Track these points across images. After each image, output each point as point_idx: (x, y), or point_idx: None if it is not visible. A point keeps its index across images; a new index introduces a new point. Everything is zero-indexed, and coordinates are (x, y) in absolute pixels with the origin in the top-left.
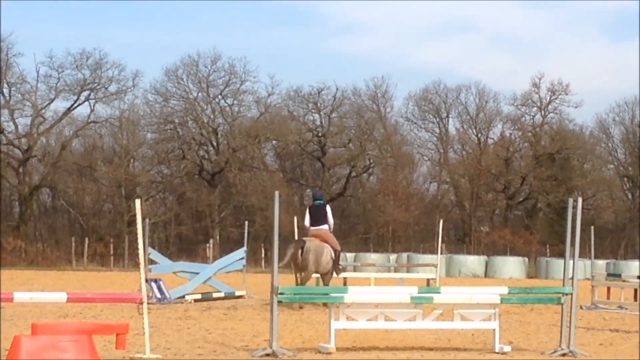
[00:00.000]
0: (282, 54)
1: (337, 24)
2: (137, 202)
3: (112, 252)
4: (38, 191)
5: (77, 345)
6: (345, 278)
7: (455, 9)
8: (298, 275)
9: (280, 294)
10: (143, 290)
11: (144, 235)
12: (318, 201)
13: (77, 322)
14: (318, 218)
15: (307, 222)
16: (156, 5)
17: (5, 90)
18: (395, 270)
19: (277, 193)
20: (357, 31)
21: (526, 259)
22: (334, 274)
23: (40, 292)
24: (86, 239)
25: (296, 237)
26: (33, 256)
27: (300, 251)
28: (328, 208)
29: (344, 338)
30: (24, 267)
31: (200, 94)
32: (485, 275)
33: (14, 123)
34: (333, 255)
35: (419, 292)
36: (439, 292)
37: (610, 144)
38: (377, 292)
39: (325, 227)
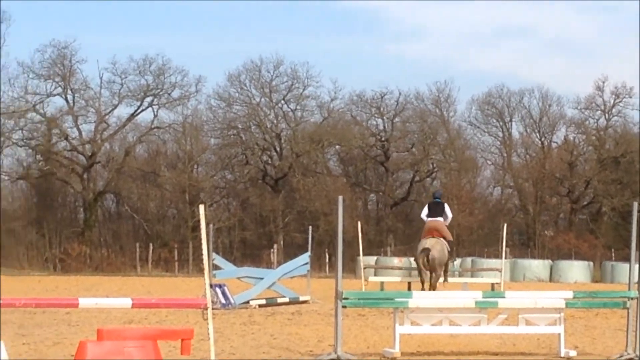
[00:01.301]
0: (345, 58)
1: (399, 28)
2: (201, 207)
3: (176, 257)
4: (102, 197)
5: (142, 350)
6: (409, 282)
7: (518, 13)
8: (425, 279)
9: (345, 299)
10: (207, 296)
11: (208, 240)
12: (437, 199)
13: (142, 327)
14: (435, 211)
15: (424, 214)
16: (218, 11)
17: (69, 97)
18: (460, 275)
19: (340, 198)
20: (420, 35)
21: (591, 263)
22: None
23: (105, 297)
24: (150, 245)
25: (360, 242)
26: (98, 262)
27: (426, 259)
28: (446, 205)
29: (408, 343)
30: (89, 273)
31: (263, 99)
32: (550, 280)
33: (78, 129)
34: (449, 247)
35: (483, 297)
36: (504, 297)
37: None
38: (441, 297)
39: (440, 219)
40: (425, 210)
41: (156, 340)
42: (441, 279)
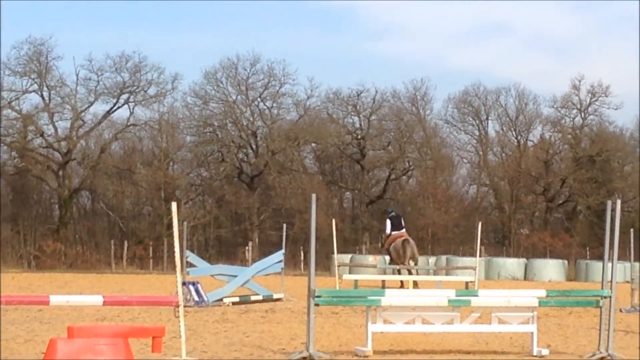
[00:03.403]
0: (321, 56)
1: (376, 26)
2: (174, 205)
3: (151, 255)
4: (78, 194)
5: (113, 348)
6: (383, 281)
7: (494, 11)
8: (401, 263)
9: (317, 296)
10: (179, 294)
11: (181, 238)
12: (392, 214)
13: (113, 325)
14: (397, 225)
15: (388, 229)
16: (195, 8)
17: (45, 94)
18: (434, 273)
19: (314, 196)
20: (396, 34)
21: (566, 262)
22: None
23: (78, 295)
24: (125, 242)
25: (334, 240)
26: (72, 259)
27: (407, 247)
28: (402, 219)
29: (381, 341)
30: (64, 270)
31: (239, 97)
32: (525, 278)
33: (54, 126)
34: None
35: (456, 295)
36: (477, 295)
37: None
38: (414, 295)
39: (403, 231)
40: (388, 226)
41: (127, 338)
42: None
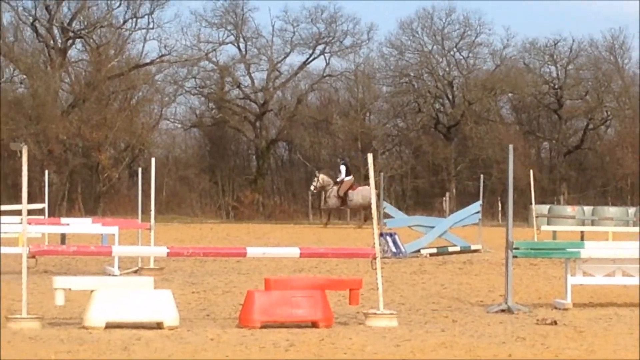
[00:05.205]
0: (517, 5)
1: None
2: (370, 156)
3: None
4: (275, 145)
5: (310, 300)
6: (582, 232)
7: None
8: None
9: (515, 249)
10: (376, 245)
11: (378, 189)
12: (344, 162)
13: (310, 277)
14: (348, 172)
15: (344, 174)
16: None
17: (242, 45)
18: (634, 224)
19: (511, 147)
20: None
21: None
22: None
23: (276, 246)
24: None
25: (532, 190)
26: (270, 210)
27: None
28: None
29: (580, 294)
30: (262, 220)
31: (435, 47)
32: None
33: (250, 77)
34: None
35: None
36: None
37: None
38: (614, 247)
39: (352, 177)
40: (344, 171)
41: (324, 290)
42: None
